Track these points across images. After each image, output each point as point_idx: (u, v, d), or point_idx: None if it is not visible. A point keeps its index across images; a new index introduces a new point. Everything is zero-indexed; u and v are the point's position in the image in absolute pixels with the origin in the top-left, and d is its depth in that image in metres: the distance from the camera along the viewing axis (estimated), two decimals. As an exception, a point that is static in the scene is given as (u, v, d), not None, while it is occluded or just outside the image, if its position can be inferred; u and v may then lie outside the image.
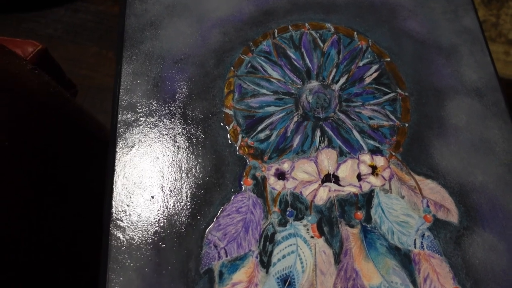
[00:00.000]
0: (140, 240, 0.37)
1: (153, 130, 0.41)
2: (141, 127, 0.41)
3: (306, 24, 0.47)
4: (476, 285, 0.36)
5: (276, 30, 0.46)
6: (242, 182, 0.39)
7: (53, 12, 1.16)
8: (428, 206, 0.39)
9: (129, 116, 0.42)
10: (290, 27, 0.47)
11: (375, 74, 0.44)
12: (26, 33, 1.15)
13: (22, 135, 0.40)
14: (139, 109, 0.42)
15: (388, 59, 0.45)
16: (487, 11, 1.25)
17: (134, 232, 0.37)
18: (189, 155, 0.40)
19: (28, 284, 0.45)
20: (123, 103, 0.42)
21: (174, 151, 0.40)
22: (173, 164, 0.40)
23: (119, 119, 0.42)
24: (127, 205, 0.38)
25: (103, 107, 1.08)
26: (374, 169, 0.40)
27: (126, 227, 0.37)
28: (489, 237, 0.38)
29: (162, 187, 0.39)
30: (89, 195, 0.50)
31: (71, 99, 0.51)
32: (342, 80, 0.44)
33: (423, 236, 0.38)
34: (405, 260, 0.37)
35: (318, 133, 0.41)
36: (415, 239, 0.37)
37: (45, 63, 0.61)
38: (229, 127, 0.41)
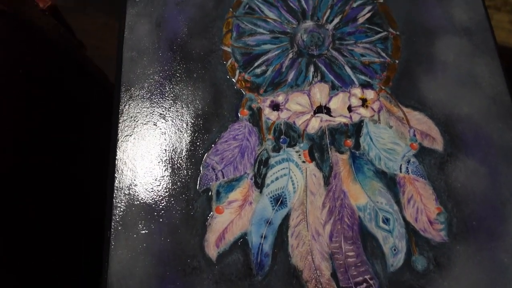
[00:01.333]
0: (143, 163, 0.40)
1: (156, 66, 0.44)
2: (144, 63, 0.44)
3: (303, -32, 0.48)
4: (457, 206, 0.38)
5: (273, -26, 0.48)
6: (239, 113, 0.42)
7: (63, -18, 1.18)
8: (414, 135, 0.41)
9: (133, 53, 0.44)
10: (287, -29, 0.48)
11: (368, 15, 0.46)
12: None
13: (35, 68, 0.43)
14: (143, 47, 0.45)
15: (381, 1, 0.47)
16: (494, -22, 1.24)
17: (138, 155, 0.40)
18: (189, 88, 0.43)
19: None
20: (127, 42, 0.45)
21: (175, 85, 0.43)
22: (175, 96, 0.42)
23: (123, 57, 0.44)
24: (132, 132, 0.41)
25: (112, 76, 1.11)
26: (364, 102, 0.42)
27: (130, 152, 0.40)
28: (471, 163, 0.40)
29: (164, 116, 0.42)
30: (93, 134, 0.53)
31: (79, 46, 0.54)
32: (336, 20, 0.46)
33: (408, 161, 0.40)
34: (391, 183, 0.39)
35: (311, 69, 0.44)
36: (401, 164, 0.40)
37: (55, 18, 0.64)
38: (227, 63, 0.44)
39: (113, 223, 0.38)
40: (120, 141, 0.40)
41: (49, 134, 0.49)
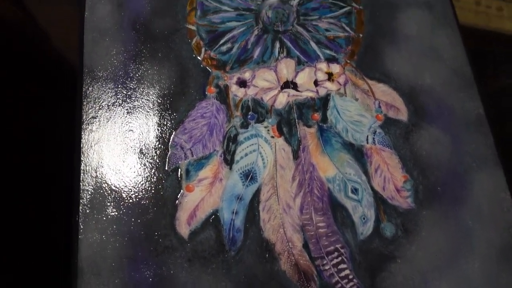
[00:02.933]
0: (109, 145, 0.39)
1: (118, 46, 0.43)
2: (106, 44, 0.43)
3: None
4: (422, 173, 0.39)
5: (236, -49, 0.48)
6: (206, 91, 0.41)
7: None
8: (379, 106, 0.42)
9: (94, 35, 0.43)
10: None
11: (331, -10, 0.46)
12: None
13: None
14: (104, 27, 0.43)
15: (344, -24, 0.47)
16: (458, -41, 1.27)
17: (104, 137, 0.39)
18: (154, 67, 0.42)
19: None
20: (88, 23, 0.44)
21: (140, 65, 0.42)
22: (140, 76, 0.42)
23: (85, 38, 0.43)
24: (96, 113, 0.40)
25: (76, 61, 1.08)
26: (330, 76, 0.43)
27: (95, 133, 0.39)
28: (435, 132, 0.41)
29: (130, 96, 0.41)
30: (60, 122, 0.52)
31: (42, 35, 0.52)
32: (300, -4, 0.46)
33: (375, 132, 0.41)
34: (358, 154, 0.40)
35: (277, 45, 0.44)
36: (367, 136, 0.40)
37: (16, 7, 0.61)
38: (192, 42, 0.43)
39: (81, 207, 0.37)
40: (85, 123, 0.39)
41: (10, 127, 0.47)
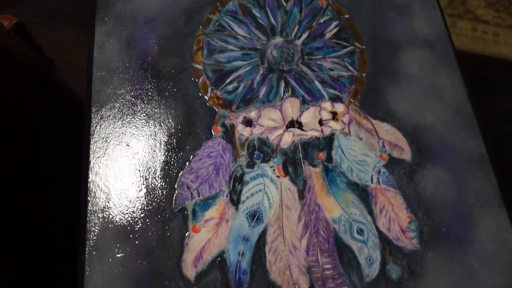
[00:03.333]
0: (117, 185, 0.39)
1: (127, 85, 0.43)
2: (115, 83, 0.43)
3: (270, -15, 0.49)
4: (427, 213, 0.40)
5: (241, -9, 0.49)
6: (212, 130, 0.42)
7: (30, -1, 1.16)
8: (383, 146, 0.42)
9: (103, 73, 0.44)
10: (255, -11, 0.49)
11: (335, 30, 0.47)
12: (1, 18, 1.14)
13: (2, 92, 0.41)
14: (113, 66, 0.44)
15: (347, 16, 0.48)
16: (454, -13, 1.30)
17: (111, 177, 0.39)
18: (161, 107, 0.43)
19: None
20: (97, 61, 0.44)
21: (147, 104, 0.43)
22: (147, 116, 0.42)
23: (93, 77, 0.44)
24: (104, 153, 0.40)
25: (82, 91, 1.09)
26: (334, 115, 0.43)
27: (103, 173, 0.39)
28: (438, 171, 0.41)
29: (137, 136, 0.41)
30: (65, 155, 0.52)
31: (48, 67, 0.53)
32: (304, 36, 0.47)
33: (379, 172, 0.41)
34: (363, 194, 0.40)
35: (282, 84, 0.44)
36: (372, 175, 0.41)
37: (21, 37, 0.62)
38: (199, 81, 0.44)
39: (87, 248, 0.37)
40: (92, 163, 0.40)
41: (16, 156, 0.47)
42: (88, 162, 0.40)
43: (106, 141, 0.41)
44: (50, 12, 1.18)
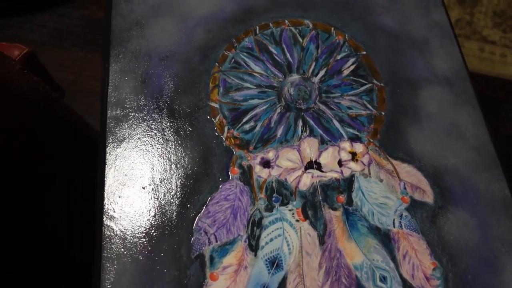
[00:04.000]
0: (132, 230, 0.38)
1: (142, 125, 0.43)
2: (130, 122, 0.43)
3: (286, 21, 0.49)
4: (452, 260, 0.38)
5: (257, 27, 0.48)
6: (229, 171, 0.41)
7: (37, 18, 1.16)
8: (405, 188, 0.41)
9: (118, 112, 0.43)
10: (270, 24, 0.49)
11: (352, 67, 0.47)
12: (10, 40, 1.14)
13: (11, 134, 0.41)
14: (128, 105, 0.43)
15: (364, 52, 0.48)
16: (462, 9, 1.30)
17: (126, 222, 0.38)
18: (177, 147, 0.42)
19: (23, 281, 0.45)
20: (112, 99, 0.44)
21: (163, 144, 0.42)
22: (162, 156, 0.41)
23: (108, 115, 0.43)
24: (119, 196, 0.39)
25: (91, 110, 1.08)
26: (354, 155, 0.42)
27: (118, 217, 0.38)
28: (462, 215, 0.40)
29: (153, 178, 0.40)
30: (79, 190, 0.51)
31: (59, 99, 0.53)
32: (322, 73, 0.46)
33: (401, 216, 0.40)
34: (385, 239, 0.39)
35: (300, 123, 0.44)
36: (393, 219, 0.40)
37: (32, 66, 0.62)
38: (215, 120, 0.43)
39: (101, 297, 0.36)
40: (106, 207, 0.39)
41: (29, 193, 0.47)
42: (102, 206, 0.39)
43: (121, 183, 0.40)
44: (58, 31, 1.19)
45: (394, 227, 0.39)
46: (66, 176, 0.51)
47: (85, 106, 1.15)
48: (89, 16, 1.16)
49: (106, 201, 0.39)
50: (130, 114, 0.43)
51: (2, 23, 1.15)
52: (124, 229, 0.38)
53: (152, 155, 0.41)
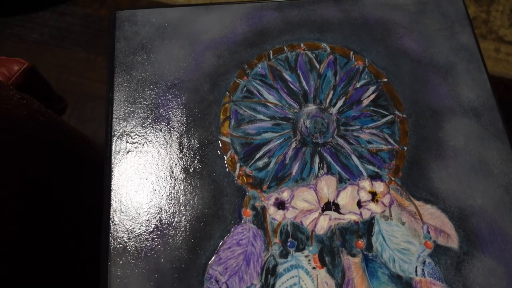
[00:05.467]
0: (139, 277, 0.36)
1: (149, 161, 0.40)
2: (136, 158, 0.40)
3: (302, 45, 0.46)
4: (477, 312, 0.36)
5: (271, 52, 0.45)
6: (241, 213, 0.38)
7: (38, 16, 1.12)
8: (428, 232, 0.39)
9: (123, 146, 0.41)
10: (285, 48, 0.46)
11: (372, 96, 0.44)
12: (11, 38, 1.11)
13: (11, 169, 0.39)
14: (134, 139, 0.41)
15: (385, 80, 0.45)
16: (478, 7, 1.25)
17: (133, 268, 0.36)
18: (186, 186, 0.39)
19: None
20: (116, 132, 0.41)
21: (171, 183, 0.39)
22: (171, 197, 0.39)
23: (113, 150, 0.41)
24: (125, 241, 0.37)
25: (94, 115, 1.05)
26: (374, 196, 0.40)
27: (125, 264, 0.36)
28: (488, 261, 0.38)
29: (161, 221, 0.38)
30: (83, 214, 0.49)
31: (61, 122, 0.50)
32: (340, 103, 0.43)
33: (424, 263, 0.38)
34: (407, 288, 0.37)
35: (317, 159, 0.41)
36: (416, 267, 0.37)
37: (32, 81, 0.59)
38: (226, 156, 0.41)
39: None
40: (112, 254, 0.37)
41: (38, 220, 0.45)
42: (108, 250, 0.37)
43: (127, 227, 0.38)
44: (59, 30, 1.15)
45: (416, 275, 0.37)
46: (68, 202, 0.49)
47: (89, 111, 1.13)
48: (91, 14, 1.12)
49: (111, 245, 0.37)
50: (136, 149, 0.41)
51: (2, 21, 1.11)
52: (130, 275, 0.36)
53: (160, 195, 0.39)
